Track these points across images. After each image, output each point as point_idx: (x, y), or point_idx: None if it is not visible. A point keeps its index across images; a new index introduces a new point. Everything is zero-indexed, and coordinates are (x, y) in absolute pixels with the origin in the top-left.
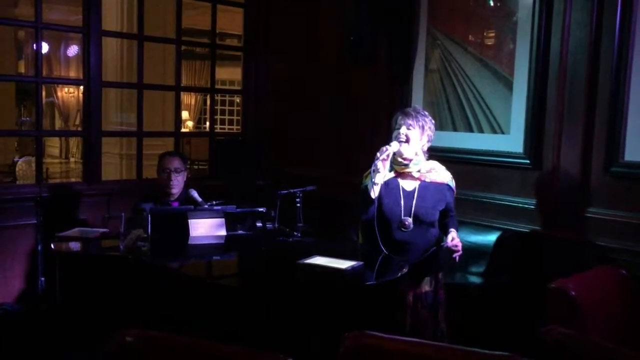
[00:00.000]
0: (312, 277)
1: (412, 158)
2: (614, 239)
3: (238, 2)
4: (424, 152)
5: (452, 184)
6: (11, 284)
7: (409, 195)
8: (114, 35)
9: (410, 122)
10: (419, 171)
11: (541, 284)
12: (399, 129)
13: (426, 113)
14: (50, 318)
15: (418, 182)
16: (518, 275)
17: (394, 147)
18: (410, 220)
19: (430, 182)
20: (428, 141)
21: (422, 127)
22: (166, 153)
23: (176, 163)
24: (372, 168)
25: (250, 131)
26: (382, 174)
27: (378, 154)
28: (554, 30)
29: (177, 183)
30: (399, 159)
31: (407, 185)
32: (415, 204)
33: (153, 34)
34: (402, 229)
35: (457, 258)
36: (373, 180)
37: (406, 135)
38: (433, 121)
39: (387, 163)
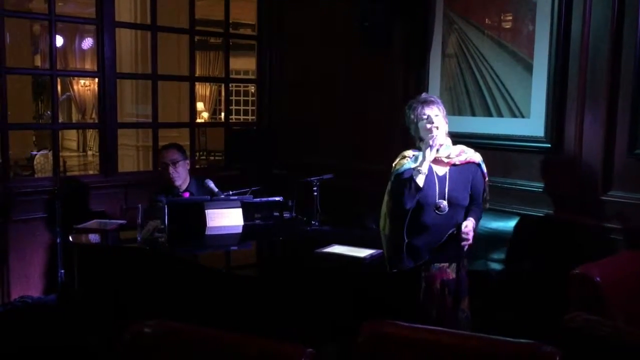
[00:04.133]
0: (330, 266)
1: (443, 143)
2: (638, 223)
3: None
4: (447, 135)
5: (483, 165)
6: (31, 276)
7: (441, 179)
8: (127, 26)
9: (435, 109)
10: (448, 157)
11: (563, 270)
12: (426, 119)
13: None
14: (69, 309)
15: (448, 167)
16: (540, 262)
17: (440, 137)
18: (445, 203)
19: (460, 164)
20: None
21: (443, 112)
22: (162, 147)
23: (171, 155)
24: (423, 155)
25: (265, 120)
26: (429, 162)
27: (431, 142)
28: (574, 9)
29: (177, 175)
30: None
31: (438, 170)
32: (448, 187)
33: (167, 25)
34: (437, 212)
35: (466, 247)
36: (420, 169)
37: (437, 126)
38: None
39: (435, 151)
